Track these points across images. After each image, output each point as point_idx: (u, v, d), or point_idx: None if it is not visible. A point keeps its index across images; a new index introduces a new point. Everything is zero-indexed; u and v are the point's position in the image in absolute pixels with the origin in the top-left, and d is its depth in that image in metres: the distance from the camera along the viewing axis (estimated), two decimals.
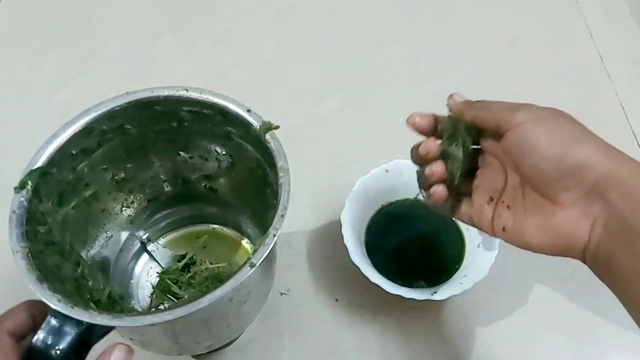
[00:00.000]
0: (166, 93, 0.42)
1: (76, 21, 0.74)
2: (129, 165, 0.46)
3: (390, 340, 0.51)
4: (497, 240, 0.50)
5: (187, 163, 0.48)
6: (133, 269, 0.52)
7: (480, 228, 0.39)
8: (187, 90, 0.42)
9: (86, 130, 0.41)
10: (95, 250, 0.46)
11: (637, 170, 0.32)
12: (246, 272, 0.34)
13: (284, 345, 0.51)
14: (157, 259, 0.52)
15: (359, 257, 0.50)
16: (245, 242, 0.53)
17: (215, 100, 0.42)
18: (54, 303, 0.33)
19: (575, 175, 0.32)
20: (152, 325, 0.33)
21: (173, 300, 0.50)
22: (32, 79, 0.69)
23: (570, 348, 0.51)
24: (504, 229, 0.37)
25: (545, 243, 0.34)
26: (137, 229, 0.51)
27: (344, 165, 0.60)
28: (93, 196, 0.45)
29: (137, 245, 0.52)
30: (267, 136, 0.40)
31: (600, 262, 0.33)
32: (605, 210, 0.32)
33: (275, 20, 0.74)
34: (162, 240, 0.54)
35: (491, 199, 0.38)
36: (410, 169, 0.55)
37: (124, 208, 0.49)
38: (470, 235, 0.53)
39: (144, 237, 0.52)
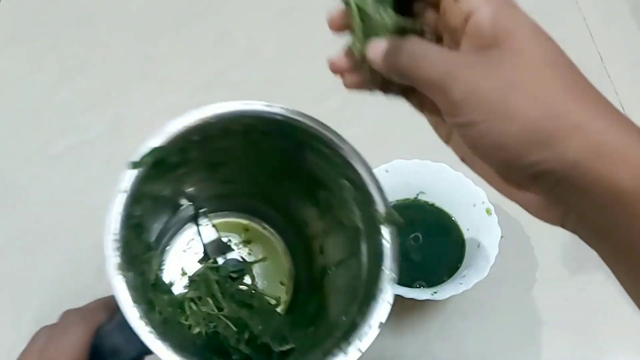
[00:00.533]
0: (307, 123, 0.40)
1: (76, 21, 0.74)
2: (230, 158, 0.45)
3: (390, 340, 0.51)
4: (497, 240, 0.50)
5: (286, 185, 0.46)
6: (174, 235, 0.50)
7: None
8: (332, 133, 0.40)
9: (217, 123, 0.39)
10: (159, 219, 0.45)
11: (613, 157, 0.25)
12: None
13: None
14: (201, 234, 0.50)
15: None
16: (285, 255, 0.52)
17: (354, 163, 0.40)
18: (136, 322, 0.32)
19: (535, 178, 0.26)
20: None
21: (211, 307, 0.46)
22: (32, 79, 0.69)
23: (570, 347, 0.51)
24: (463, 159, 0.32)
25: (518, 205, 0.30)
26: (198, 201, 0.49)
27: None
28: (184, 174, 0.44)
29: (189, 213, 0.50)
30: (385, 228, 0.38)
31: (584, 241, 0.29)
32: (578, 204, 0.27)
33: (275, 20, 0.74)
34: (213, 218, 0.51)
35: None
36: (410, 169, 0.55)
37: (200, 183, 0.48)
38: (470, 235, 0.53)
39: (201, 210, 0.50)
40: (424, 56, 0.27)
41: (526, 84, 0.26)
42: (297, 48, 0.71)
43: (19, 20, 0.74)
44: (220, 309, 0.45)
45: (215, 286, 0.46)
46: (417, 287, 0.51)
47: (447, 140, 0.32)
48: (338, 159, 0.40)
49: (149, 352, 0.32)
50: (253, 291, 0.48)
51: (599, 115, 0.26)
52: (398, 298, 0.48)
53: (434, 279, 0.51)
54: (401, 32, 0.29)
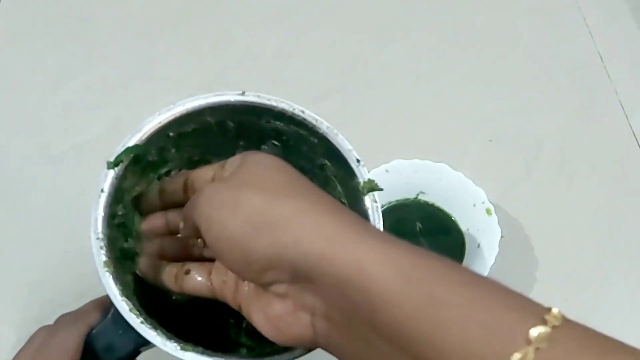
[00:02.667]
0: (281, 106, 0.40)
1: (76, 21, 0.74)
2: (210, 152, 0.45)
3: None
4: (497, 240, 0.50)
5: None
6: None
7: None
8: (303, 112, 0.40)
9: (190, 116, 0.40)
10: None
11: (353, 248, 0.25)
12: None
13: None
14: None
15: None
16: None
17: (331, 137, 0.40)
18: (127, 314, 0.32)
19: (270, 269, 0.26)
20: None
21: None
22: (32, 79, 0.69)
23: None
24: (240, 307, 0.31)
25: (273, 334, 0.29)
26: None
27: None
28: (167, 173, 0.44)
29: None
30: (367, 197, 0.38)
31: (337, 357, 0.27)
32: (319, 300, 0.26)
33: (275, 20, 0.74)
34: None
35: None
36: (410, 169, 0.55)
37: None
38: (470, 235, 0.53)
39: None
40: None
41: (239, 193, 0.28)
42: (297, 48, 0.71)
43: (19, 20, 0.74)
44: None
45: None
46: None
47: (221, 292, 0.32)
48: (316, 138, 0.41)
49: (144, 343, 0.33)
50: None
51: (314, 205, 0.27)
52: None
53: None
54: None
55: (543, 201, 0.59)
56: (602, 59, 0.69)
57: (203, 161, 0.46)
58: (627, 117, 0.65)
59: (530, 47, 0.71)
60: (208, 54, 0.71)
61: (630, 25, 0.73)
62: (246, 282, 0.30)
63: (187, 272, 0.33)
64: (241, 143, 0.45)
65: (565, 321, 0.22)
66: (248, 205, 0.27)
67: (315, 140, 0.41)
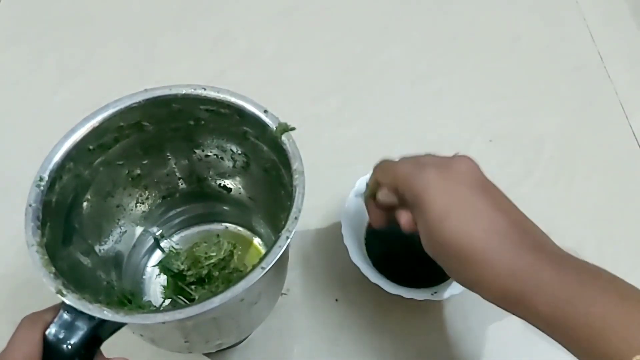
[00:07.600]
0: (184, 91, 0.42)
1: (76, 21, 0.74)
2: (144, 162, 0.46)
3: (390, 340, 0.51)
4: None
5: (203, 161, 0.48)
6: (145, 265, 0.52)
7: None
8: (204, 89, 0.42)
9: (104, 126, 0.41)
10: (108, 245, 0.46)
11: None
12: (258, 274, 0.34)
13: (284, 346, 0.51)
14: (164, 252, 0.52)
15: (359, 257, 0.50)
16: (257, 242, 0.53)
17: (233, 100, 0.41)
18: (68, 298, 0.33)
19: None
20: (163, 323, 0.33)
21: (183, 300, 0.49)
22: (32, 79, 0.69)
23: None
24: None
25: None
26: (151, 225, 0.51)
27: (344, 165, 0.60)
28: (108, 192, 0.45)
29: (151, 241, 0.52)
30: (283, 137, 0.40)
31: None
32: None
33: (275, 20, 0.74)
34: (175, 238, 0.53)
35: None
36: None
37: (138, 204, 0.49)
38: None
39: (157, 234, 0.52)
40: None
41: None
42: (297, 48, 0.71)
43: (19, 20, 0.74)
44: (191, 298, 0.49)
45: (181, 284, 0.49)
46: (417, 287, 0.51)
47: None
48: (228, 109, 0.42)
49: (97, 325, 0.34)
50: (213, 266, 0.50)
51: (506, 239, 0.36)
52: (398, 298, 0.48)
53: (434, 279, 0.51)
54: None
55: (543, 201, 0.59)
56: (602, 59, 0.69)
57: (142, 176, 0.47)
58: (627, 117, 0.65)
59: (530, 47, 0.71)
60: (208, 54, 0.71)
61: (630, 25, 0.73)
62: None
63: None
64: (171, 146, 0.46)
65: None
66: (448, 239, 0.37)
67: (228, 111, 0.42)
